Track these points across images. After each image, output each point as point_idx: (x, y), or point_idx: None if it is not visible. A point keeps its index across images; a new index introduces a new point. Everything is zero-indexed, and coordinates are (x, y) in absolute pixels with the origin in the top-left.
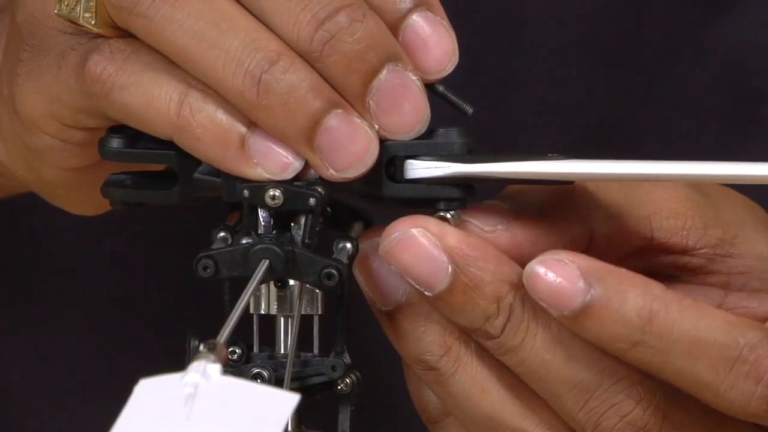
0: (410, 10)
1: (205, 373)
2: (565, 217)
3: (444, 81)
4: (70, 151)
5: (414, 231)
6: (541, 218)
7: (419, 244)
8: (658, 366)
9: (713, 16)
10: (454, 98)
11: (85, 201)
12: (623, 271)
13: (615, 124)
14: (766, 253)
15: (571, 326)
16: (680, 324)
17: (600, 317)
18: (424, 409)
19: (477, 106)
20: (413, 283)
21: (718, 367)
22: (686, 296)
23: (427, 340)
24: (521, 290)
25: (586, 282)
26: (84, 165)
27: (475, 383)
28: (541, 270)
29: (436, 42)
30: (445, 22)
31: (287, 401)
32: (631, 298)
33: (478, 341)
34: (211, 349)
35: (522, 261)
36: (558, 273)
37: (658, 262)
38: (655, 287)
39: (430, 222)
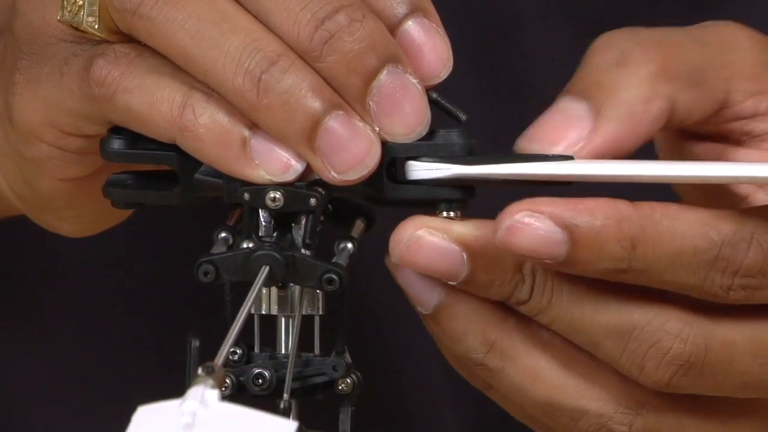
0: (406, 16)
1: (203, 399)
2: (645, 99)
3: (441, 83)
4: (67, 160)
5: (419, 233)
6: (619, 109)
7: (429, 244)
8: (645, 281)
9: (712, 16)
10: (447, 105)
11: (79, 217)
12: (593, 204)
13: None
14: None
15: (558, 269)
16: (660, 241)
17: (585, 258)
18: (473, 382)
19: (475, 111)
20: (435, 275)
21: (700, 271)
22: (655, 206)
23: (469, 339)
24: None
25: (563, 229)
26: (81, 175)
27: (525, 374)
28: (514, 231)
29: (431, 48)
30: (440, 29)
31: (285, 429)
32: (611, 232)
33: (521, 323)
34: (209, 372)
35: (616, 157)
36: (533, 229)
37: (727, 127)
38: (626, 209)
39: (430, 219)
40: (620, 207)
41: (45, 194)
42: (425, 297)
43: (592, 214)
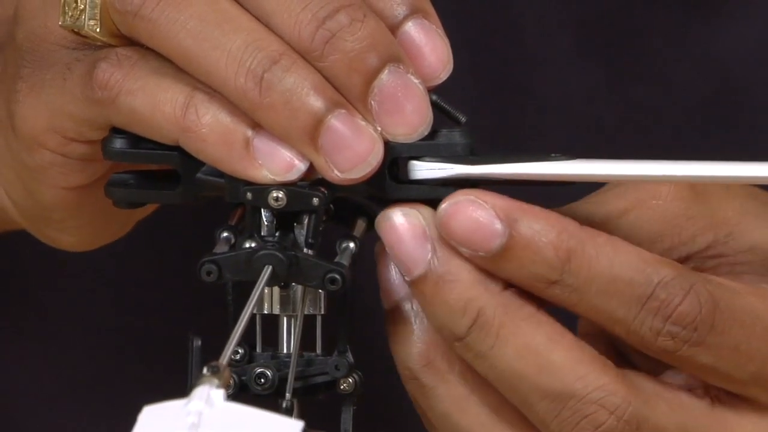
0: (406, 17)
1: (208, 399)
2: None
3: (441, 84)
4: (70, 166)
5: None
6: None
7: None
8: (574, 303)
9: (712, 21)
10: (446, 107)
11: (80, 228)
12: (537, 209)
13: (615, 129)
14: (761, 244)
15: (489, 267)
16: (597, 262)
17: (518, 258)
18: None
19: (475, 111)
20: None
21: (631, 305)
22: (601, 233)
23: (413, 349)
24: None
25: (503, 222)
26: (83, 183)
27: (454, 401)
28: (454, 213)
29: (431, 50)
30: (440, 31)
31: (291, 428)
32: (549, 238)
33: (462, 357)
34: (215, 372)
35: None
36: (473, 215)
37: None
38: (571, 225)
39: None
40: (566, 221)
41: (47, 204)
42: (392, 291)
43: (536, 217)
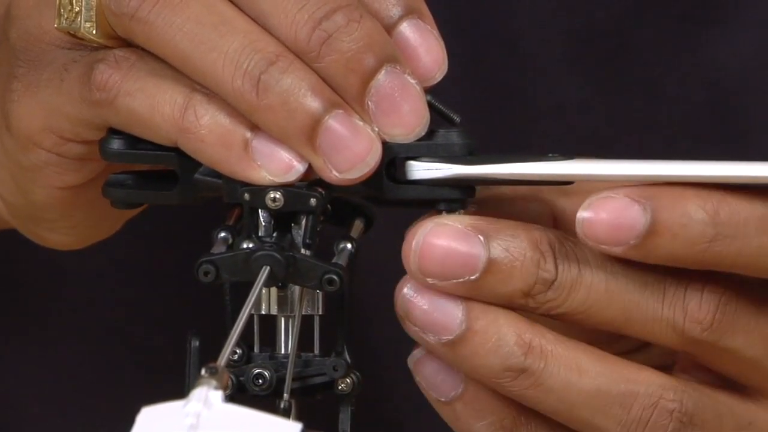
0: (401, 18)
1: (207, 401)
2: (524, 199)
3: (436, 90)
4: (65, 167)
5: (430, 224)
6: (499, 209)
7: (445, 232)
8: (736, 253)
9: (705, 31)
10: (441, 107)
11: (72, 228)
12: (668, 186)
13: (608, 138)
14: None
15: (639, 254)
16: (743, 206)
17: (670, 234)
18: None
19: (469, 119)
20: (454, 272)
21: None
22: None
23: (505, 345)
24: (553, 229)
25: (641, 205)
26: (78, 183)
27: (569, 367)
28: (592, 213)
29: (426, 50)
30: (435, 31)
31: (289, 431)
32: (692, 205)
33: (547, 325)
34: (213, 373)
35: None
36: (612, 208)
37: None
38: (702, 189)
39: (435, 217)
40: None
41: (40, 204)
42: (448, 318)
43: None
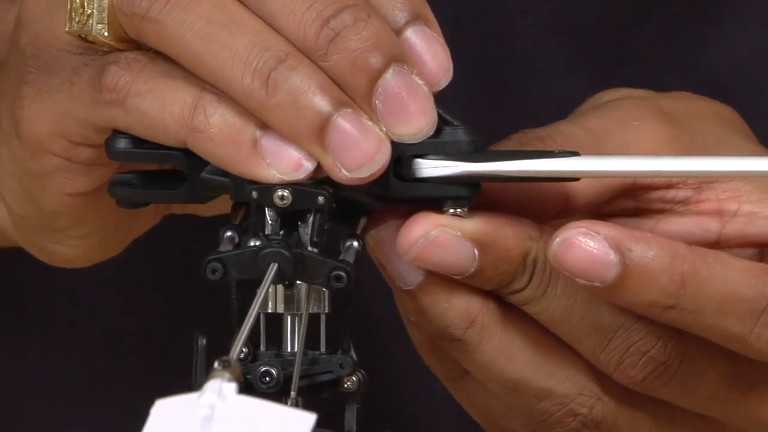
0: (407, 24)
1: (221, 392)
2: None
3: (436, 93)
4: (75, 171)
5: (434, 232)
6: (509, 191)
7: (444, 242)
8: (690, 324)
9: (703, 30)
10: (443, 114)
11: (82, 238)
12: (649, 236)
13: None
14: None
15: (604, 296)
16: (710, 283)
17: (634, 286)
18: (441, 369)
19: (468, 117)
20: (444, 272)
21: (746, 320)
22: (708, 251)
23: (451, 315)
24: (541, 242)
25: (616, 253)
26: (88, 189)
27: (500, 351)
28: (568, 247)
29: (431, 57)
30: (440, 38)
31: (304, 421)
32: (663, 265)
33: (501, 302)
34: (226, 366)
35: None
36: (587, 248)
37: (646, 198)
38: (681, 248)
39: (441, 217)
40: (677, 245)
41: (50, 212)
42: (409, 274)
43: (648, 244)
